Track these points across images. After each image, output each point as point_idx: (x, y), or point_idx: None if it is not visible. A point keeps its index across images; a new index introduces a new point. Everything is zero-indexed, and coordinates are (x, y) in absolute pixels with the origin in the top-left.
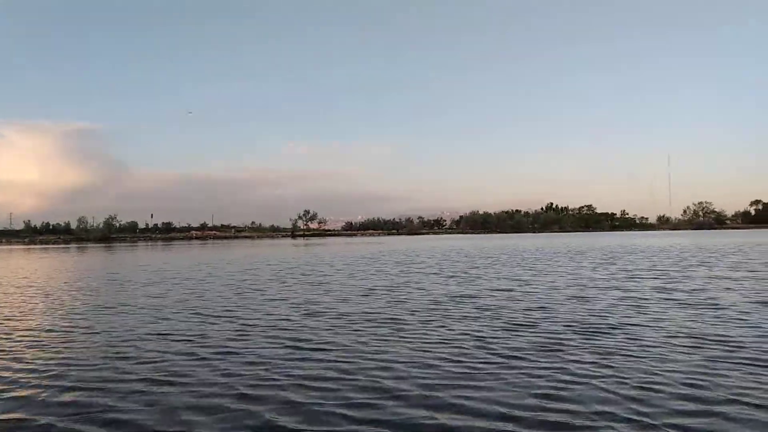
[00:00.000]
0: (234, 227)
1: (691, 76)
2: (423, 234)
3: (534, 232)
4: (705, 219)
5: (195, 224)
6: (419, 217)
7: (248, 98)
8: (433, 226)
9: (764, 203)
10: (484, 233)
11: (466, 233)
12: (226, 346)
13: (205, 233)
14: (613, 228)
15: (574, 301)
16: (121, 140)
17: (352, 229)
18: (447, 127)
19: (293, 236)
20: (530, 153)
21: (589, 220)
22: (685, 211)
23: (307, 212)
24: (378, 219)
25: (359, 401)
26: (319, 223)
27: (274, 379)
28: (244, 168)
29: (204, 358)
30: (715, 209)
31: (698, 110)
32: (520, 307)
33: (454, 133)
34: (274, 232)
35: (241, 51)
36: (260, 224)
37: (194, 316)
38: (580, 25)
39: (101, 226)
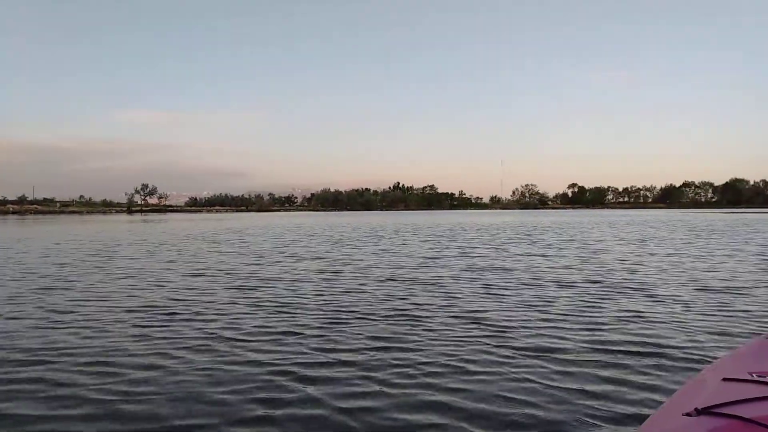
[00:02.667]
0: (59, 202)
1: (520, 66)
2: (274, 211)
3: (382, 210)
4: (530, 200)
5: (11, 197)
6: (270, 194)
7: (74, 58)
8: (284, 203)
9: (579, 186)
10: (335, 210)
11: (318, 210)
12: None
13: (24, 207)
14: (452, 207)
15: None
16: None
17: (196, 206)
18: (301, 103)
19: (129, 212)
20: (380, 134)
21: (431, 200)
22: (514, 193)
23: (145, 186)
24: (226, 195)
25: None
26: (160, 198)
27: None
28: (71, 136)
29: None
30: (539, 191)
31: (527, 100)
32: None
33: (309, 110)
34: (107, 207)
35: (67, 6)
36: (90, 199)
37: None
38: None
39: None
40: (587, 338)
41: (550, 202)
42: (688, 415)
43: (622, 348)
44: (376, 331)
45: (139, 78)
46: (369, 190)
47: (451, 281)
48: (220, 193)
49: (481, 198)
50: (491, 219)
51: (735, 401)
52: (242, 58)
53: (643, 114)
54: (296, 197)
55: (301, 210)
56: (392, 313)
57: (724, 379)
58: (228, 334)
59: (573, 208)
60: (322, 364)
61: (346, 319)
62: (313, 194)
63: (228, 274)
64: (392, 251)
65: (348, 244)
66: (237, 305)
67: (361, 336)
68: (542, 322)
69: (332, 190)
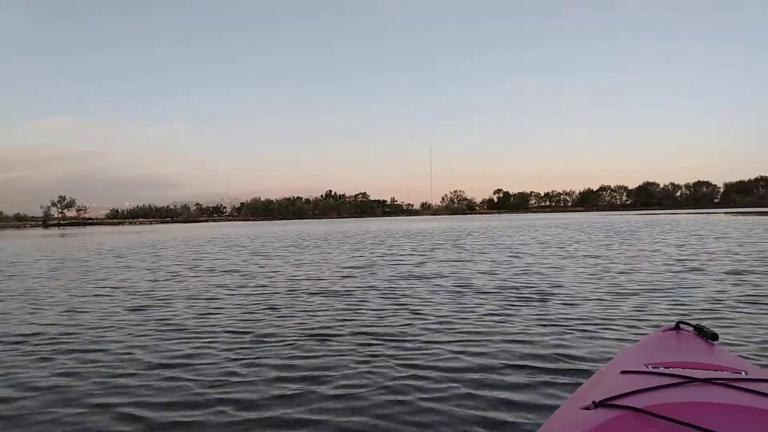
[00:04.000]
0: None
1: (449, 69)
2: (202, 222)
3: (315, 218)
4: (458, 205)
5: None
6: (197, 204)
7: None
8: (212, 213)
9: (504, 192)
10: (266, 220)
11: (248, 220)
12: None
13: None
14: (385, 213)
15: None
16: None
17: (118, 218)
18: (228, 111)
19: (45, 226)
20: (310, 142)
21: (363, 207)
22: (443, 199)
23: (62, 198)
24: (150, 206)
25: None
26: (78, 210)
27: None
28: None
29: None
30: (467, 197)
31: (457, 104)
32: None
33: (235, 119)
34: (21, 221)
35: None
36: (2, 213)
37: None
38: (348, 28)
39: None
40: (500, 348)
41: (477, 207)
42: (586, 408)
43: (533, 353)
44: (269, 357)
45: (57, 83)
46: (301, 198)
47: (367, 292)
48: (144, 205)
49: (412, 204)
50: (421, 225)
51: (629, 393)
52: (172, 65)
53: (562, 121)
54: (225, 207)
55: (230, 220)
56: (298, 332)
57: (622, 372)
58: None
59: (499, 212)
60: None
61: (243, 341)
62: (242, 203)
63: (125, 291)
64: (314, 262)
65: (269, 255)
66: (119, 329)
67: (264, 362)
68: (453, 331)
69: (263, 199)
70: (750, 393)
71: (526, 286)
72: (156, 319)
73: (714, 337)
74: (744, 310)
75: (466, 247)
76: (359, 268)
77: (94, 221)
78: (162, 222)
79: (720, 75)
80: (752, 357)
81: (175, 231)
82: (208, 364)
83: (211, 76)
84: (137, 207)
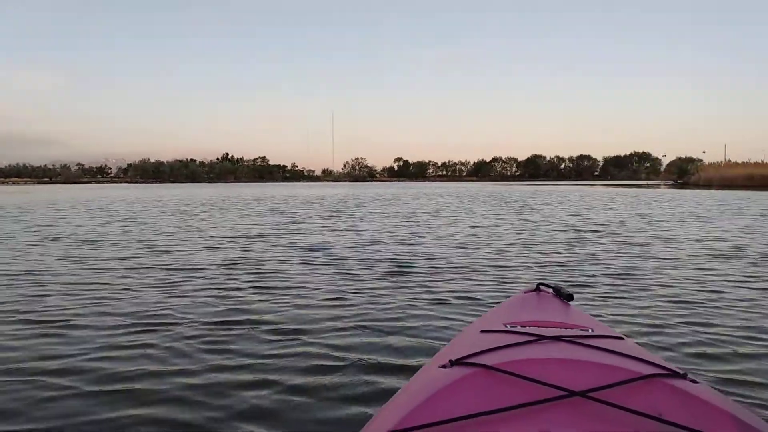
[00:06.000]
0: None
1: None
2: (84, 183)
3: (210, 182)
4: (360, 173)
5: None
6: (78, 164)
7: None
8: (96, 174)
9: (404, 160)
10: (156, 183)
11: (136, 183)
12: None
13: None
14: (285, 179)
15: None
16: None
17: None
18: (118, 65)
19: None
20: (207, 102)
21: (263, 172)
22: (344, 165)
23: None
24: (25, 165)
25: None
26: None
27: None
28: None
29: None
30: (368, 164)
31: (361, 70)
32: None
33: (126, 73)
34: None
35: None
36: None
37: None
38: None
39: None
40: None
41: (378, 175)
42: (443, 367)
43: (382, 322)
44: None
45: None
46: (195, 161)
47: (220, 270)
48: (18, 163)
49: (314, 170)
50: (322, 191)
51: (484, 351)
52: (48, 13)
53: (456, 94)
54: (110, 168)
55: (116, 182)
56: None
57: (482, 331)
58: None
59: (399, 180)
60: None
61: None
62: (130, 165)
63: None
64: (192, 230)
65: (146, 222)
66: None
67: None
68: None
69: (152, 160)
70: (591, 348)
71: (417, 257)
72: None
73: (569, 297)
74: (598, 274)
75: (357, 215)
76: (233, 238)
77: None
78: (39, 183)
79: (598, 55)
80: (604, 315)
81: (47, 193)
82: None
83: (96, 24)
84: (9, 166)
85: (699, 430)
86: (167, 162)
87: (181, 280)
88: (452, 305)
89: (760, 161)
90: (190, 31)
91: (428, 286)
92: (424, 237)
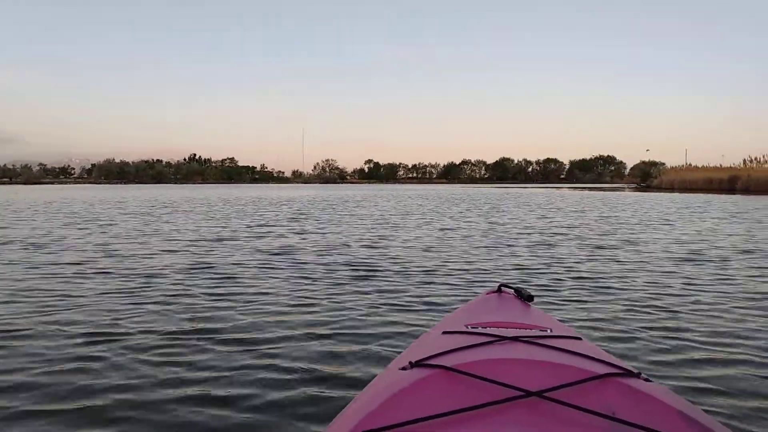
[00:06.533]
0: None
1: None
2: (46, 184)
3: (177, 183)
4: (331, 174)
5: None
6: (40, 164)
7: None
8: (59, 174)
9: (375, 162)
10: (121, 184)
11: (100, 183)
12: None
13: None
14: (254, 180)
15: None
16: None
17: None
18: (84, 62)
19: None
20: (175, 102)
21: (231, 173)
22: (315, 167)
23: None
24: None
25: None
26: None
27: None
28: None
29: None
30: (339, 166)
31: (332, 74)
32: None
33: (90, 68)
34: None
35: None
36: None
37: None
38: None
39: None
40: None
41: (348, 177)
42: (403, 369)
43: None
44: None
45: None
46: (161, 161)
47: (182, 274)
48: None
49: (283, 172)
50: (291, 193)
51: (444, 352)
52: (4, 7)
53: (427, 97)
54: (74, 168)
55: (80, 183)
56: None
57: (444, 333)
58: None
59: (369, 182)
60: None
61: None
62: (94, 165)
63: None
64: (153, 233)
65: (106, 225)
66: None
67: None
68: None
69: (117, 161)
70: (549, 348)
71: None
72: None
73: (530, 298)
74: (562, 276)
75: (323, 217)
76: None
77: None
78: None
79: (566, 59)
80: (565, 317)
81: (2, 194)
82: None
83: (56, 19)
84: None
85: (651, 428)
86: (132, 162)
87: (138, 286)
88: (416, 310)
89: (719, 165)
90: (157, 28)
91: (393, 291)
92: (391, 240)
